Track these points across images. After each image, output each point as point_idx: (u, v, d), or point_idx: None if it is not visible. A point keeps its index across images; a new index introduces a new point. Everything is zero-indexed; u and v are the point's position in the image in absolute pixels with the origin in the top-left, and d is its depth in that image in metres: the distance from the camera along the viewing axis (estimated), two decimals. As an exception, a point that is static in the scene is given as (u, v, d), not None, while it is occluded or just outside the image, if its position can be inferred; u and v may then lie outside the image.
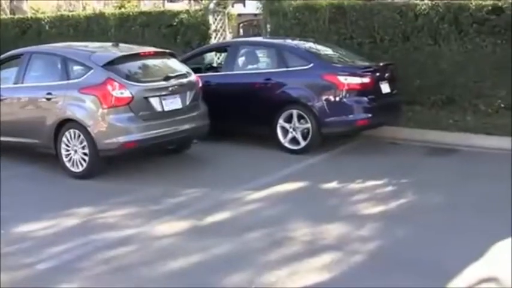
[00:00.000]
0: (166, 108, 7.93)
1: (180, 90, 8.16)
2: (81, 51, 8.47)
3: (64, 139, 7.88)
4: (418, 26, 10.64)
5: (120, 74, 7.75)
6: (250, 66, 9.95)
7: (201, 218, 6.28)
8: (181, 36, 13.68)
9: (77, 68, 8.07)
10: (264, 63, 9.95)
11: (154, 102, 7.83)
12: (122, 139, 7.59)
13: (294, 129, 8.89)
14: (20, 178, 8.03)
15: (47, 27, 16.66)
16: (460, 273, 4.80)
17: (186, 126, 8.17)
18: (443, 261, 5.05)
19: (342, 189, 7.30)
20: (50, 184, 7.75)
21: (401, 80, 10.10)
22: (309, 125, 8.75)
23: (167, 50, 9.12)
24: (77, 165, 7.82)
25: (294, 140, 8.91)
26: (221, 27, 13.97)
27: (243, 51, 10.08)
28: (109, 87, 7.59)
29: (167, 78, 8.18)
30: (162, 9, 14.68)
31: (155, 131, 7.79)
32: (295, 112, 8.87)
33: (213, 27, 13.68)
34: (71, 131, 7.82)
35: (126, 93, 7.61)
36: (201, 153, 8.96)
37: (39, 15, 17.66)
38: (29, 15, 18.73)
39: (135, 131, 7.67)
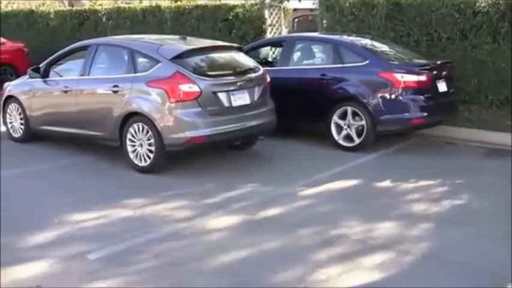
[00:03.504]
0: (234, 104, 7.82)
1: (248, 85, 8.06)
2: (148, 44, 8.39)
3: (130, 132, 7.87)
4: (477, 24, 10.43)
5: (188, 68, 7.66)
6: (305, 62, 9.97)
7: (253, 213, 6.34)
8: (237, 30, 13.75)
9: (144, 61, 8.05)
10: (319, 58, 9.96)
11: (223, 97, 7.73)
12: (189, 134, 7.52)
13: (348, 126, 8.87)
14: (77, 168, 8.26)
15: (103, 19, 17.01)
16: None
17: (254, 123, 8.05)
18: (495, 266, 4.99)
19: (395, 188, 7.25)
20: (106, 175, 7.91)
21: (458, 79, 10.00)
22: (363, 123, 8.72)
23: (234, 44, 9.09)
24: (142, 159, 7.80)
25: (348, 137, 8.89)
26: (277, 21, 13.98)
27: (298, 46, 10.11)
28: (177, 81, 7.52)
29: (235, 73, 8.10)
30: (217, 3, 14.72)
31: (223, 127, 7.69)
32: (349, 109, 8.85)
33: (268, 21, 13.69)
34: (138, 124, 7.79)
35: (195, 88, 7.52)
36: (253, 149, 8.98)
37: (97, 7, 18.00)
38: (87, 7, 19.09)
39: (203, 126, 7.58)
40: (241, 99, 7.93)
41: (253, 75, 8.27)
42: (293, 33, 15.06)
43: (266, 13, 13.70)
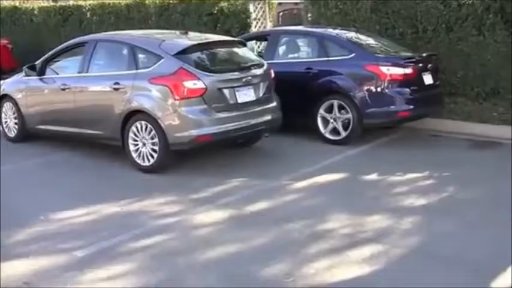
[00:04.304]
0: (240, 100, 7.60)
1: (253, 81, 7.83)
2: (150, 40, 8.16)
3: (132, 131, 7.62)
4: (462, 16, 10.42)
5: (192, 64, 7.42)
6: (290, 56, 9.92)
7: (241, 208, 6.30)
8: (222, 24, 13.66)
9: (146, 57, 7.75)
10: (304, 52, 9.91)
11: (228, 93, 7.51)
12: (194, 132, 7.27)
13: (334, 120, 8.85)
14: (71, 166, 8.11)
15: (88, 15, 16.86)
16: (504, 272, 4.71)
17: (260, 120, 7.84)
18: (485, 258, 4.97)
19: (382, 181, 7.23)
20: (102, 174, 7.77)
21: (443, 71, 10.01)
22: (349, 116, 8.70)
23: (237, 39, 8.88)
24: (145, 158, 7.57)
25: (335, 131, 8.87)
26: (261, 15, 13.93)
27: (283, 40, 10.06)
28: (181, 78, 7.27)
29: (240, 69, 7.90)
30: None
31: (229, 124, 7.46)
32: (336, 102, 8.82)
33: (253, 15, 13.64)
34: (140, 122, 7.54)
35: (200, 84, 7.28)
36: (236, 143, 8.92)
37: (81, 3, 17.84)
38: (71, 2, 18.92)
39: (208, 124, 7.33)
40: (247, 95, 7.72)
41: (258, 70, 8.06)
42: (278, 27, 14.99)
43: (251, 7, 13.65)
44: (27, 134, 9.24)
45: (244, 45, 8.62)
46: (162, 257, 5.16)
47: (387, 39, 10.33)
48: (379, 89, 8.62)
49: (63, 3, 18.60)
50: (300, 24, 14.38)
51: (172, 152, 7.49)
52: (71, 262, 5.07)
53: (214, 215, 6.13)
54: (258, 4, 13.90)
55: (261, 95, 7.92)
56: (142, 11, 15.45)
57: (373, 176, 7.36)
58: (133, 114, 7.61)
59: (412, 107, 8.67)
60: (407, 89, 8.67)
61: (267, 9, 14.11)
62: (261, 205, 6.40)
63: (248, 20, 13.53)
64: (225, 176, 7.37)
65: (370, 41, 9.73)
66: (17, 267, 4.97)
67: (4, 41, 16.91)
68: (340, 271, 4.80)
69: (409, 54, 9.39)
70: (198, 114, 7.30)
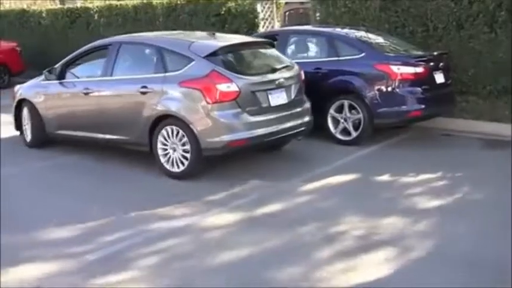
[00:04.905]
0: (272, 103, 7.35)
1: (285, 83, 7.57)
2: (178, 41, 7.83)
3: (161, 136, 7.35)
4: (473, 14, 10.29)
5: (224, 66, 7.15)
6: (300, 56, 9.81)
7: (252, 210, 6.22)
8: (229, 25, 13.60)
9: (175, 59, 7.43)
10: (314, 52, 9.83)
11: (261, 96, 7.24)
12: (227, 137, 6.99)
13: (345, 120, 8.77)
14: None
15: (95, 17, 16.84)
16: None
17: (293, 123, 7.60)
18: (503, 260, 4.87)
19: (394, 182, 7.13)
20: (105, 176, 7.71)
21: (455, 70, 9.89)
22: (360, 116, 8.62)
23: (266, 40, 8.65)
24: (175, 164, 7.31)
25: (345, 131, 8.79)
26: (269, 15, 13.86)
27: (292, 40, 9.98)
28: (214, 81, 6.99)
29: (272, 70, 7.68)
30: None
31: (262, 129, 7.19)
32: (346, 102, 8.74)
33: (261, 15, 13.57)
34: (170, 127, 7.27)
35: (233, 87, 7.00)
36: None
37: (88, 5, 17.83)
38: (78, 5, 18.92)
39: (243, 128, 7.06)
40: (280, 98, 7.47)
41: (289, 72, 7.83)
42: (285, 26, 14.90)
43: (258, 7, 13.58)
44: (48, 139, 8.97)
45: (273, 46, 8.40)
46: (174, 261, 5.09)
47: (397, 38, 10.22)
48: (389, 89, 8.52)
49: (71, 6, 18.59)
50: (306, 23, 14.28)
51: (204, 158, 7.25)
52: (83, 266, 5.01)
53: (226, 217, 6.05)
54: (266, 4, 13.83)
55: (293, 97, 7.68)
56: (150, 12, 15.42)
57: (386, 177, 7.26)
58: (163, 119, 7.34)
59: (423, 106, 8.57)
60: (419, 88, 8.58)
61: (275, 9, 14.04)
62: (273, 207, 6.31)
63: (256, 20, 13.47)
64: (236, 178, 7.27)
65: (380, 40, 9.64)
66: (29, 271, 4.93)
67: (13, 44, 16.92)
68: (356, 274, 4.72)
69: (419, 52, 9.29)
70: (232, 118, 7.04)
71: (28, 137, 9.17)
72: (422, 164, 7.71)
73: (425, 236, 5.46)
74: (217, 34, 8.43)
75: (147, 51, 8.01)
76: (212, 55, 7.22)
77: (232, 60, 7.50)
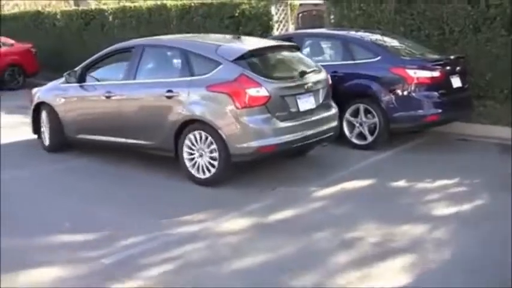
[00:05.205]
0: (301, 108, 7.21)
1: (313, 87, 7.42)
2: (204, 45, 7.68)
3: (187, 141, 7.20)
4: (490, 17, 10.17)
5: (253, 70, 7.00)
6: (315, 59, 9.65)
7: (266, 215, 6.16)
8: (243, 27, 13.55)
9: (202, 63, 7.28)
10: (329, 55, 9.75)
11: (290, 101, 7.11)
12: (257, 143, 6.84)
13: (360, 124, 8.69)
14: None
15: (110, 19, 16.87)
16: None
17: (320, 128, 7.43)
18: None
19: (411, 188, 7.04)
20: (119, 179, 7.66)
21: (472, 74, 9.75)
22: (376, 120, 8.53)
23: (293, 43, 8.52)
24: (201, 170, 7.15)
25: (361, 135, 8.70)
26: (283, 18, 13.79)
27: (307, 43, 9.89)
28: (243, 85, 6.85)
29: (301, 74, 7.46)
30: (223, 0, 14.51)
31: (292, 134, 7.04)
32: (362, 106, 8.66)
33: (275, 18, 13.51)
34: (198, 132, 7.12)
35: (263, 92, 6.86)
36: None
37: (103, 7, 17.87)
38: (93, 6, 18.97)
39: (272, 134, 6.91)
40: (308, 103, 7.32)
41: (317, 76, 7.68)
42: (299, 29, 14.83)
43: (273, 9, 13.52)
44: (67, 144, 8.84)
45: (298, 49, 8.31)
46: (188, 267, 5.03)
47: (412, 41, 10.12)
48: (406, 93, 8.44)
49: (85, 8, 18.66)
50: (320, 25, 14.22)
51: (233, 164, 7.11)
52: (98, 270, 4.98)
53: (240, 223, 5.99)
54: (280, 6, 13.75)
55: (321, 101, 7.55)
56: (164, 14, 15.42)
57: (402, 183, 7.18)
58: (189, 124, 7.20)
59: (440, 110, 8.47)
60: (435, 93, 8.48)
61: (289, 11, 13.96)
62: (288, 212, 6.24)
63: (270, 23, 13.41)
64: (250, 182, 7.21)
65: (396, 43, 9.55)
66: (43, 275, 4.91)
67: (28, 45, 17.00)
68: (373, 282, 4.64)
69: (436, 56, 9.19)
70: (261, 124, 6.89)
71: (46, 141, 9.02)
72: (440, 169, 7.60)
73: (442, 244, 5.37)
74: (243, 37, 8.28)
75: (172, 54, 7.91)
76: (240, 59, 7.10)
77: (261, 64, 7.38)
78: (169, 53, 8.03)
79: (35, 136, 9.36)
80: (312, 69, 7.76)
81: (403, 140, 8.93)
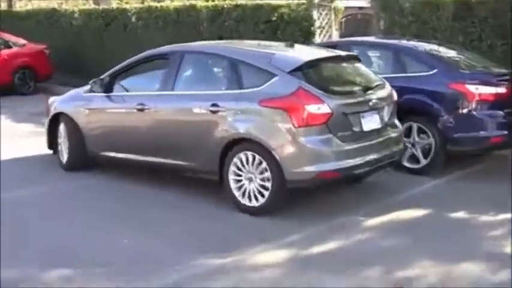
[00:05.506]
0: (365, 128, 7.02)
1: (378, 104, 7.23)
2: (256, 53, 7.54)
3: (234, 163, 6.98)
4: None
5: (311, 84, 6.79)
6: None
7: (307, 248, 6.06)
8: (282, 33, 13.52)
9: (253, 74, 7.09)
10: (378, 67, 9.65)
11: (353, 120, 6.91)
12: (318, 167, 6.62)
13: (413, 145, 8.58)
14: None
15: (133, 19, 16.98)
16: None
17: (385, 152, 7.23)
18: None
19: (471, 220, 6.92)
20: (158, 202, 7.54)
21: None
22: (431, 141, 8.43)
23: (352, 53, 8.36)
24: (247, 197, 6.94)
25: (413, 158, 8.60)
26: (326, 23, 13.74)
27: (354, 52, 9.78)
28: (302, 101, 6.63)
29: (364, 89, 7.34)
30: (259, 2, 14.52)
31: (355, 159, 6.82)
32: (415, 125, 8.57)
33: (317, 23, 13.46)
34: (247, 153, 6.91)
35: (324, 109, 6.64)
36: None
37: (125, 6, 18.01)
38: (114, 5, 19.13)
39: (334, 157, 6.69)
40: (372, 122, 7.14)
41: (382, 91, 7.50)
42: (343, 35, 14.77)
43: (314, 14, 13.48)
44: (88, 161, 8.62)
45: (360, 61, 8.05)
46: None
47: (473, 53, 9.99)
48: (466, 111, 8.32)
49: (106, 6, 18.80)
50: (366, 31, 14.14)
51: (288, 191, 6.87)
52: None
53: (276, 255, 5.89)
54: (323, 10, 13.70)
55: (386, 120, 7.39)
56: (193, 15, 15.49)
57: (461, 214, 7.05)
58: (237, 143, 7.00)
59: (505, 132, 8.34)
60: (500, 112, 8.36)
61: (333, 16, 13.90)
62: (332, 244, 6.16)
63: (312, 28, 13.37)
64: (289, 209, 7.04)
65: (454, 54, 9.45)
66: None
67: (42, 46, 17.16)
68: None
69: (501, 70, 9.03)
70: (321, 145, 6.69)
71: (64, 157, 8.75)
72: (504, 200, 7.41)
73: (507, 287, 5.21)
74: (297, 45, 8.14)
75: (217, 63, 7.82)
76: (297, 70, 6.90)
77: (320, 76, 7.23)
78: (213, 62, 7.92)
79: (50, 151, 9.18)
80: (376, 84, 7.60)
81: (461, 165, 8.80)
